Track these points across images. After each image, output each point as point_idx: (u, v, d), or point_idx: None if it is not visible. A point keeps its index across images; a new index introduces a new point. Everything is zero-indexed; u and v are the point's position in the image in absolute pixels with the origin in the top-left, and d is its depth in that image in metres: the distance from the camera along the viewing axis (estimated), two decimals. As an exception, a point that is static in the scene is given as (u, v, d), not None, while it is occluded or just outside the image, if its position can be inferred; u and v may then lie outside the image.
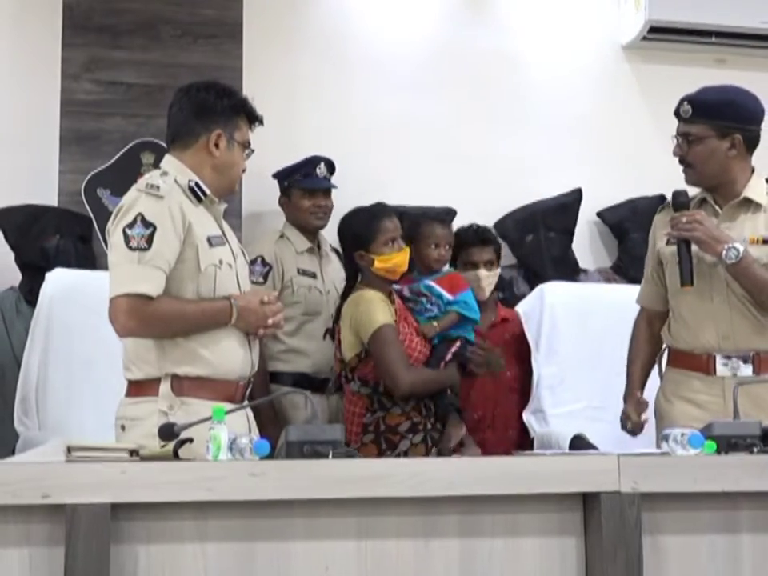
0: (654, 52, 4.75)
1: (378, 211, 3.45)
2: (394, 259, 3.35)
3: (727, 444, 2.26)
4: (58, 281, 3.67)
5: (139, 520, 1.96)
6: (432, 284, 3.45)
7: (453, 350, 3.38)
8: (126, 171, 4.12)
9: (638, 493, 2.11)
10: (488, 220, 4.45)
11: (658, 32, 4.63)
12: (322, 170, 3.94)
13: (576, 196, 4.52)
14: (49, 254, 3.98)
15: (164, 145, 4.06)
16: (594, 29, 4.77)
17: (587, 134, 4.64)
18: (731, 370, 2.93)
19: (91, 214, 4.10)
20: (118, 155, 4.16)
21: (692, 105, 2.96)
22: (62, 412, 3.53)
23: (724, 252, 2.84)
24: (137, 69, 4.22)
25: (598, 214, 4.64)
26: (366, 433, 3.34)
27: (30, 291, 3.90)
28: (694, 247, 2.95)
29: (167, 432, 2.30)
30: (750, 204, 3.00)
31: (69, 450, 2.12)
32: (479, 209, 4.34)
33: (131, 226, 2.62)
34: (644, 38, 4.67)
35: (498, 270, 3.89)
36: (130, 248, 2.61)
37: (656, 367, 3.20)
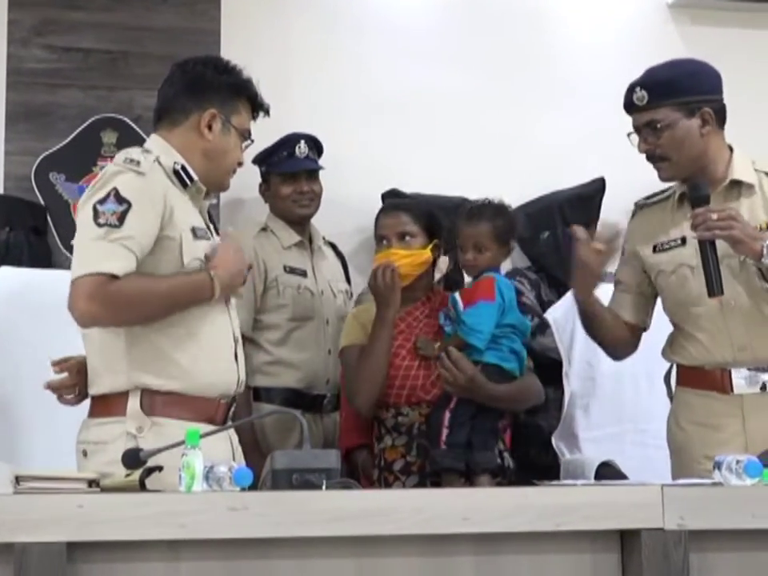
0: (706, 11, 4.75)
1: (385, 205, 3.54)
2: (378, 261, 3.40)
3: (790, 473, 2.28)
4: (5, 281, 3.68)
5: (100, 562, 1.97)
6: (456, 294, 3.40)
7: None
8: (83, 152, 4.14)
9: (686, 530, 2.12)
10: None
11: (709, -13, 4.67)
12: (302, 149, 3.95)
13: (598, 186, 4.52)
14: (-4, 250, 3.99)
15: (128, 121, 4.15)
16: (634, -17, 4.79)
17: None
18: (750, 385, 2.94)
19: (43, 203, 4.11)
20: (75, 134, 4.17)
21: (646, 88, 2.97)
22: (8, 435, 3.54)
23: (765, 250, 2.82)
24: (96, 32, 4.23)
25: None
26: (374, 468, 3.39)
27: (-28, 294, 3.91)
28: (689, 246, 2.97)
29: (132, 459, 2.31)
30: (739, 186, 3.00)
31: (17, 479, 2.13)
32: (499, 196, 4.35)
33: (103, 201, 2.63)
34: (693, -6, 4.69)
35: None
36: (98, 224, 2.61)
37: (665, 389, 3.22)
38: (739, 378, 2.95)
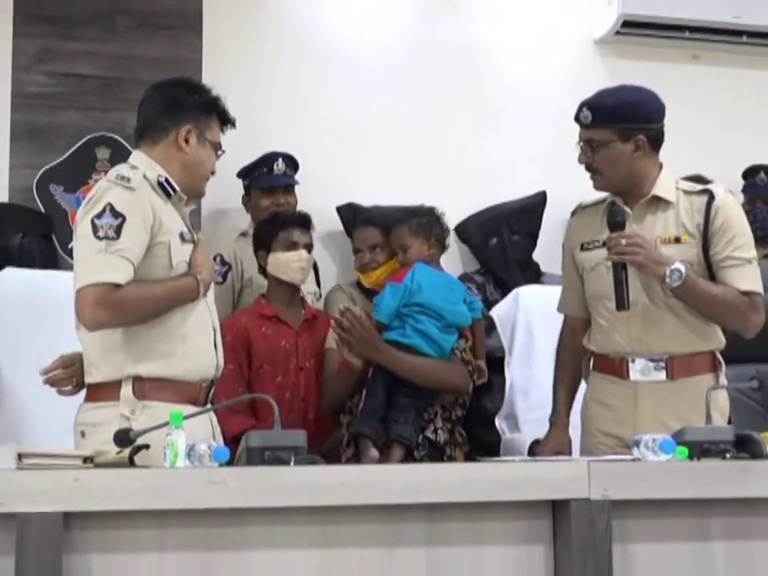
0: (628, 47, 4.79)
1: (360, 220, 3.66)
2: (366, 280, 3.54)
3: (700, 450, 2.30)
4: (10, 281, 3.66)
5: (93, 529, 1.97)
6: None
7: None
8: (79, 167, 4.12)
9: (609, 500, 2.14)
10: (459, 220, 4.50)
11: (631, 26, 4.67)
12: (280, 166, 3.97)
13: (540, 198, 4.56)
14: (12, 254, 3.95)
15: (120, 140, 4.13)
16: (565, 23, 4.80)
17: (558, 130, 4.65)
18: (643, 374, 2.98)
19: (44, 211, 4.09)
20: (72, 150, 4.16)
21: (591, 110, 2.98)
22: (12, 419, 3.51)
23: (667, 274, 2.85)
24: (91, 60, 4.21)
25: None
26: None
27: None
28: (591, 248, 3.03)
29: (123, 438, 2.30)
30: (659, 202, 3.02)
31: (20, 456, 2.12)
32: (450, 208, 4.36)
33: (100, 215, 2.63)
34: (617, 33, 4.70)
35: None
36: (98, 237, 2.61)
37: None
38: (635, 367, 2.98)
